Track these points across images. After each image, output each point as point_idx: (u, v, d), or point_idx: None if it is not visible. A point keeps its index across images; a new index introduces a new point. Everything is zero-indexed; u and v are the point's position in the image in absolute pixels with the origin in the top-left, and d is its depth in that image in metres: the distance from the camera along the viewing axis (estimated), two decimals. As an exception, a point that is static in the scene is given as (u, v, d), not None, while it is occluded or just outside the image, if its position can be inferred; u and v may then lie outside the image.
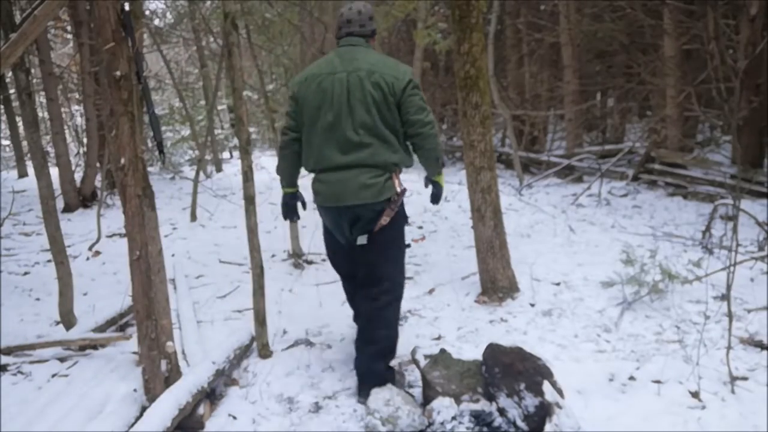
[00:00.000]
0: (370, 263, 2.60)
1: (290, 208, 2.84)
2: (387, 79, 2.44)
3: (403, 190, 2.55)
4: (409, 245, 2.78)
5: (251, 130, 13.37)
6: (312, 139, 2.56)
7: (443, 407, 2.24)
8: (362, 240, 2.56)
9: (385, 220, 2.51)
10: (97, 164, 7.03)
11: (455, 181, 7.40)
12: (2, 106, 9.08)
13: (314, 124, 2.53)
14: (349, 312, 3.52)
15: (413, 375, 2.69)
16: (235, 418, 2.44)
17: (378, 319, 2.60)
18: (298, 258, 4.58)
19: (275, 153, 11.13)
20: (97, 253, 5.05)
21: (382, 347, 2.61)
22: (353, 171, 2.48)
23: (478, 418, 2.21)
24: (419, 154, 2.59)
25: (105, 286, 4.18)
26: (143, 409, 2.29)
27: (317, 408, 2.49)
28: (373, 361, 2.58)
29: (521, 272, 3.85)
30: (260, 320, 2.95)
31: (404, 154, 2.57)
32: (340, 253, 2.77)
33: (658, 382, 2.51)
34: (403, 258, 2.72)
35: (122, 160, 2.23)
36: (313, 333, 3.27)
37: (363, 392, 2.53)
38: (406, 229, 2.75)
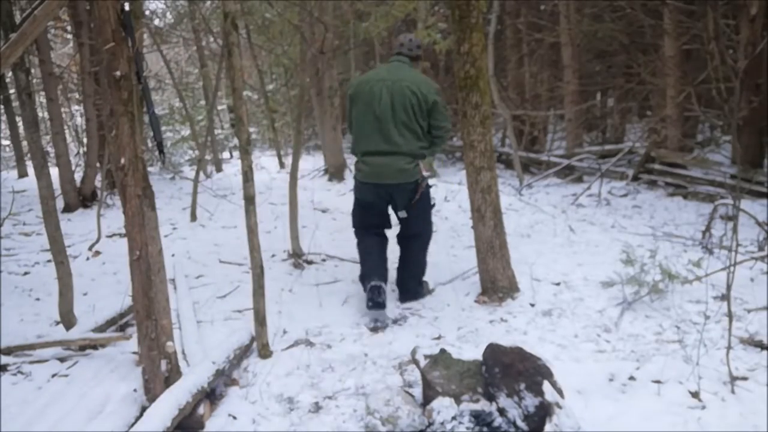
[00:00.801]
0: (408, 226, 3.57)
1: None
2: (423, 90, 3.32)
3: (425, 175, 3.47)
4: (434, 204, 3.67)
5: (251, 130, 13.37)
6: (361, 129, 3.42)
7: (443, 407, 2.23)
8: (403, 214, 3.50)
9: (419, 194, 3.44)
10: (97, 164, 7.02)
11: (455, 181, 7.40)
12: (2, 106, 9.08)
13: (364, 117, 3.38)
14: (349, 312, 3.56)
15: (413, 375, 2.69)
16: (235, 418, 2.44)
17: (412, 255, 3.63)
18: (298, 258, 4.58)
19: (275, 153, 11.16)
20: (97, 253, 5.05)
21: (414, 272, 3.69)
22: (392, 157, 3.33)
23: (478, 418, 2.21)
24: (433, 144, 3.52)
25: (105, 286, 4.18)
26: (143, 409, 2.29)
27: (317, 408, 2.49)
28: (408, 280, 3.68)
29: (521, 272, 3.85)
30: (260, 320, 2.95)
31: (427, 144, 3.46)
32: (367, 217, 3.62)
33: (658, 382, 2.51)
34: (431, 215, 3.67)
35: (122, 160, 2.24)
36: (313, 333, 3.27)
37: (402, 299, 3.68)
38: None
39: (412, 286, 3.70)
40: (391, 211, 3.64)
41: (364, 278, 3.51)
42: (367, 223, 3.64)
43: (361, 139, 3.44)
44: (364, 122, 3.38)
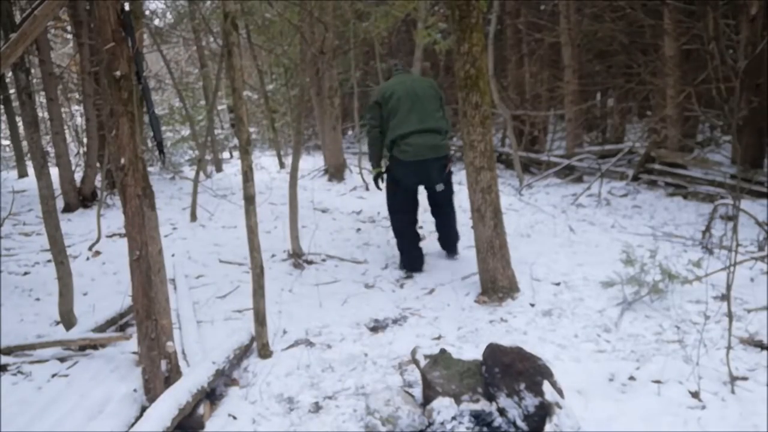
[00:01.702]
0: (443, 196, 4.28)
1: (378, 181, 4.43)
2: (433, 85, 4.22)
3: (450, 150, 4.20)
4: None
5: (251, 130, 13.36)
6: (397, 118, 4.03)
7: (443, 407, 2.23)
8: (440, 187, 4.17)
9: (449, 168, 4.21)
10: (97, 164, 7.02)
11: (455, 181, 7.38)
12: (2, 106, 9.08)
13: (397, 110, 4.04)
14: (349, 312, 3.57)
15: (413, 375, 2.69)
16: (235, 418, 2.44)
17: (450, 226, 4.45)
18: (298, 258, 4.59)
19: (275, 153, 11.17)
20: (97, 253, 5.05)
21: (454, 238, 4.51)
22: (428, 135, 3.99)
23: (478, 418, 2.21)
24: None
25: (105, 286, 4.18)
26: (143, 409, 2.29)
27: (317, 408, 2.49)
28: (453, 244, 4.52)
29: (521, 272, 3.85)
30: (260, 320, 2.95)
31: (449, 123, 4.23)
32: (402, 198, 4.27)
33: (658, 382, 2.51)
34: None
35: (122, 160, 2.24)
36: (313, 333, 3.27)
37: (450, 255, 4.55)
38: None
39: (454, 248, 4.55)
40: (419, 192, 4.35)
41: (402, 251, 4.36)
42: (402, 205, 4.28)
43: (396, 126, 4.02)
44: (399, 112, 4.02)
